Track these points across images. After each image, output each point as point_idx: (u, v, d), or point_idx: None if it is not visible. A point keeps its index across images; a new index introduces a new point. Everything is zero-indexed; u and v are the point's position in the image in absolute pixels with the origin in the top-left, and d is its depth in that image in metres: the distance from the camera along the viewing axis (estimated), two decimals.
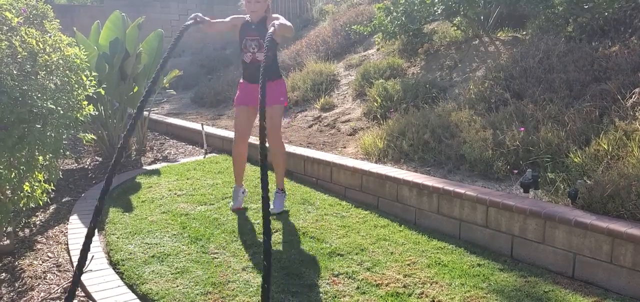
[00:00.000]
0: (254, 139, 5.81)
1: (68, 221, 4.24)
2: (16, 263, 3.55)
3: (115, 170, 2.51)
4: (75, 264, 3.45)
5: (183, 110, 8.91)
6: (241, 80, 4.28)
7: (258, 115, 3.89)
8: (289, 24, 3.86)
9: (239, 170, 4.27)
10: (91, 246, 3.69)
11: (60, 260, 3.58)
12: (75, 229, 4.04)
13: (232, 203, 4.29)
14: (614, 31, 5.31)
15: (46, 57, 3.69)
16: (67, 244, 3.78)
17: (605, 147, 3.71)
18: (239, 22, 4.17)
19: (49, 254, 3.69)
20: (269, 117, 4.02)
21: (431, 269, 3.22)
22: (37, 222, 4.28)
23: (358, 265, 3.29)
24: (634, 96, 4.12)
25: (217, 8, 14.28)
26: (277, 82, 4.16)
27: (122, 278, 3.23)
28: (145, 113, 6.78)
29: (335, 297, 2.93)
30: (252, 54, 4.07)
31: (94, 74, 4.43)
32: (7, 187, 3.61)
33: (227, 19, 4.26)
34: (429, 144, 4.68)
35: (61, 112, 3.70)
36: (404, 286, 3.02)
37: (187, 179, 5.16)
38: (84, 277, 3.24)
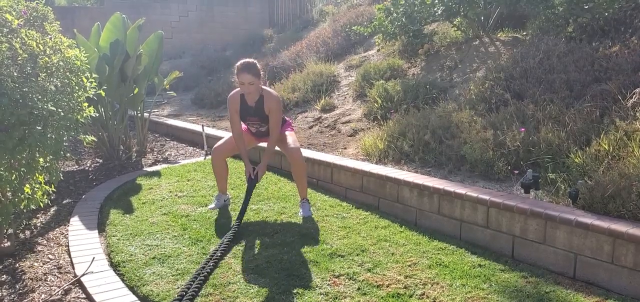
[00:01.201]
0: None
1: (69, 222, 4.24)
2: (17, 265, 3.54)
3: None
4: (76, 266, 3.45)
5: (183, 112, 8.92)
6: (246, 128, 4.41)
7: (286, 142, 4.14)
8: (279, 117, 4.11)
9: (221, 178, 4.39)
10: (92, 247, 3.71)
11: (61, 262, 3.58)
12: (76, 230, 4.04)
13: (212, 205, 4.38)
14: (614, 31, 5.31)
15: (46, 59, 3.69)
16: (68, 246, 3.77)
17: (606, 147, 3.71)
18: (236, 105, 4.14)
19: (50, 255, 3.68)
20: (290, 141, 4.23)
21: (432, 270, 3.22)
22: (38, 224, 4.28)
23: (359, 266, 3.28)
24: (634, 96, 4.11)
25: (217, 9, 14.30)
26: (286, 124, 4.39)
27: (123, 280, 3.22)
28: (146, 115, 6.78)
29: (336, 298, 2.93)
30: (256, 129, 4.30)
31: (94, 75, 4.43)
32: (8, 189, 3.61)
33: (230, 114, 4.20)
34: (429, 145, 4.68)
35: (62, 113, 3.70)
36: (405, 287, 3.01)
37: (188, 181, 5.16)
38: (84, 279, 3.24)
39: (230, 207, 4.40)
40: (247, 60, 4.01)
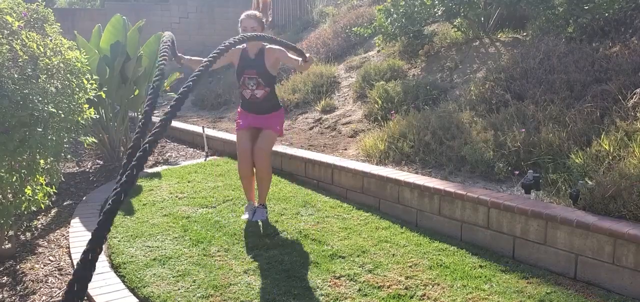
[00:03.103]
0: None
1: (69, 224, 4.24)
2: (18, 267, 3.54)
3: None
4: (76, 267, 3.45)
5: (184, 113, 8.92)
6: (240, 109, 4.16)
7: (260, 136, 3.93)
8: (289, 56, 3.86)
9: (247, 188, 4.12)
10: None
11: (61, 264, 3.58)
12: (77, 232, 4.04)
13: (244, 215, 4.11)
14: (614, 32, 5.31)
15: (47, 60, 3.69)
16: (69, 248, 3.77)
17: (607, 147, 3.70)
18: (236, 53, 3.97)
19: (51, 257, 3.68)
20: (261, 138, 3.96)
21: (433, 271, 3.22)
22: (39, 226, 4.28)
23: (359, 267, 3.28)
24: (634, 97, 4.11)
25: (217, 10, 14.30)
26: (277, 113, 4.08)
27: (123, 281, 3.22)
28: None
29: (337, 299, 2.93)
30: (251, 91, 3.96)
31: (94, 77, 4.44)
32: (9, 190, 3.62)
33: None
34: (430, 146, 4.68)
35: (62, 115, 3.70)
36: (406, 288, 3.01)
37: (188, 182, 5.16)
38: None
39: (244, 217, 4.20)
40: (251, 10, 3.96)
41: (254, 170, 4.02)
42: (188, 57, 4.04)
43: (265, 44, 3.88)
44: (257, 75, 3.90)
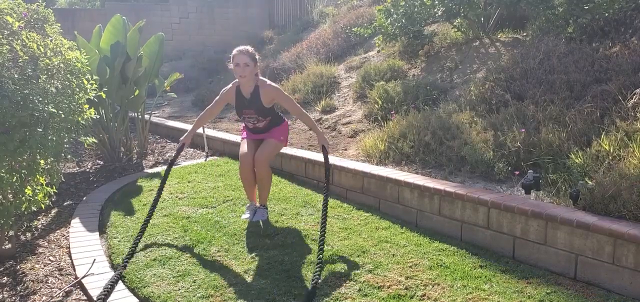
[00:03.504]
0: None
1: (70, 224, 4.24)
2: (18, 267, 3.55)
3: None
4: (77, 267, 3.45)
5: (184, 114, 8.92)
6: (243, 129, 4.27)
7: (262, 143, 3.99)
8: (290, 102, 4.04)
9: (248, 190, 4.16)
10: (93, 249, 3.71)
11: (62, 264, 3.58)
12: (77, 232, 4.04)
13: (245, 215, 4.15)
14: (614, 32, 5.31)
15: (47, 61, 3.69)
16: (69, 248, 3.78)
17: (607, 147, 3.71)
18: (231, 94, 4.02)
19: (51, 257, 3.68)
20: (263, 145, 4.03)
21: (433, 271, 3.22)
22: (39, 226, 4.28)
23: (359, 267, 3.28)
24: (634, 97, 4.11)
25: (217, 10, 14.31)
26: (280, 127, 4.15)
27: (123, 281, 3.22)
28: (146, 116, 6.79)
29: (337, 299, 2.93)
30: (253, 125, 4.07)
31: (95, 77, 4.43)
32: (9, 190, 3.62)
33: (218, 98, 4.14)
34: (430, 146, 4.68)
35: (62, 115, 3.70)
36: (406, 288, 3.01)
37: (189, 182, 5.16)
38: (85, 281, 3.24)
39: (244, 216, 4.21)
40: (244, 46, 3.97)
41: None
42: (192, 132, 4.26)
43: (258, 81, 3.94)
44: (256, 113, 3.99)
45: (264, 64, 9.46)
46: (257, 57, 3.95)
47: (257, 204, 4.15)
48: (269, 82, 3.99)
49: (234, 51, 3.93)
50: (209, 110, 4.19)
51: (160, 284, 3.13)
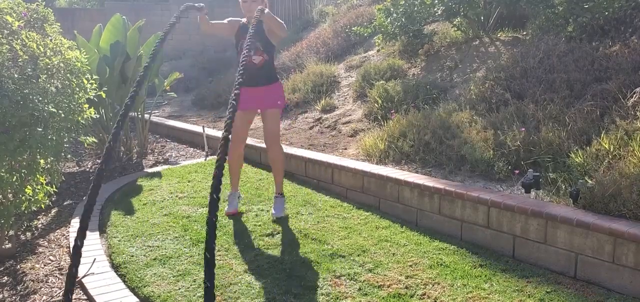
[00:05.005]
0: (254, 141, 5.82)
1: (70, 224, 4.25)
2: (18, 267, 3.55)
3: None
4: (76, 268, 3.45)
5: (184, 113, 8.92)
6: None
7: (255, 117, 3.95)
8: (279, 20, 3.90)
9: (234, 175, 4.24)
10: (93, 248, 3.71)
11: (62, 263, 3.58)
12: (77, 232, 4.03)
13: (227, 207, 4.24)
14: (614, 31, 5.31)
15: (47, 60, 3.69)
16: (69, 248, 3.78)
17: (607, 146, 3.71)
18: (236, 24, 4.16)
19: (51, 257, 3.69)
20: (267, 122, 4.06)
21: (433, 270, 3.22)
22: (39, 226, 4.28)
23: (360, 266, 3.28)
24: (634, 96, 4.11)
25: (217, 10, 14.28)
26: (274, 85, 4.11)
27: (123, 281, 3.23)
28: (146, 116, 6.79)
29: (337, 298, 2.93)
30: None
31: (95, 77, 4.43)
32: (9, 190, 3.62)
33: (225, 21, 4.23)
34: (430, 145, 4.68)
35: (62, 115, 3.70)
36: (406, 287, 3.01)
37: (189, 182, 5.16)
38: (85, 280, 3.24)
39: (225, 209, 4.25)
40: None
41: (269, 159, 4.13)
42: (211, 22, 4.15)
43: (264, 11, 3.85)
44: (255, 39, 3.87)
45: None
46: None
47: (239, 194, 4.29)
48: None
49: None
50: (215, 25, 4.21)
51: (161, 283, 3.13)
